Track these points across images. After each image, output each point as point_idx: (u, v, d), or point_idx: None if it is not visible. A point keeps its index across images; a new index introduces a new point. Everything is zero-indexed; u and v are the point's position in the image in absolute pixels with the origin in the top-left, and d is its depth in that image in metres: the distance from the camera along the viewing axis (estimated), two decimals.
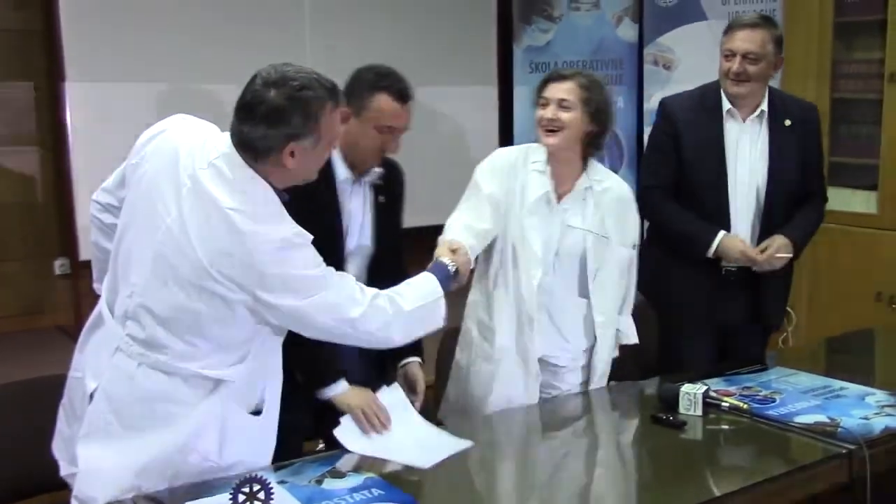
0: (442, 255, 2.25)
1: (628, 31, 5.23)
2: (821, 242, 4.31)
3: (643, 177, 3.10)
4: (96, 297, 2.11)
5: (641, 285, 2.76)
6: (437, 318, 2.11)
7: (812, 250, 4.12)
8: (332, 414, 2.26)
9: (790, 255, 2.85)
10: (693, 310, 2.90)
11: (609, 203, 2.57)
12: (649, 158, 3.07)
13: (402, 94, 2.32)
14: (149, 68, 4.35)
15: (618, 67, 5.35)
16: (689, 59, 4.76)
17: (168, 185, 1.88)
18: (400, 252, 2.56)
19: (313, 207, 2.16)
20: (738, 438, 2.24)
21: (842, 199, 4.39)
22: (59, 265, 4.64)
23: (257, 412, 2.00)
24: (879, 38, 4.15)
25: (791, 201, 2.91)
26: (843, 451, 2.08)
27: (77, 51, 4.29)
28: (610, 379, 2.69)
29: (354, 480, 1.92)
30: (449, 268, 2.20)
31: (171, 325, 1.89)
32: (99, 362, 1.98)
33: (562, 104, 2.47)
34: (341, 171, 2.39)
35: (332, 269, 1.95)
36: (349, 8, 4.66)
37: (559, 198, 2.55)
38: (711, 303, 2.89)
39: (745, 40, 2.78)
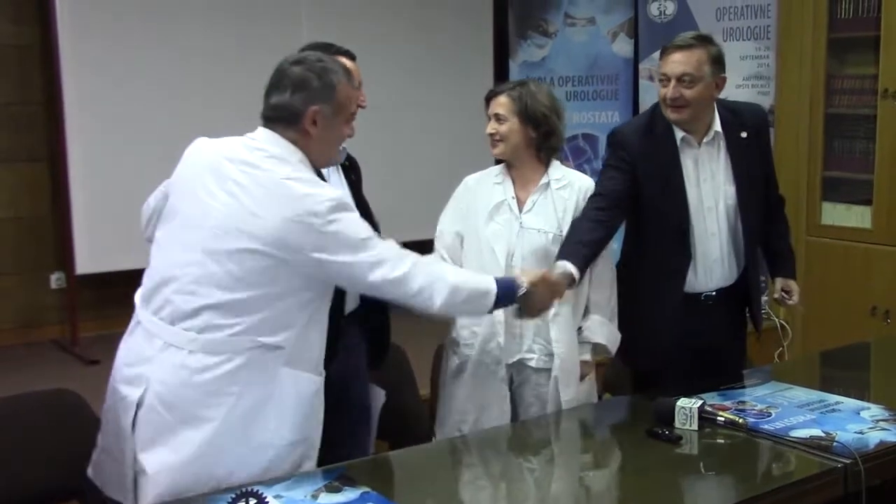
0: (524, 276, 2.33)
1: (623, 47, 5.26)
2: (816, 257, 4.35)
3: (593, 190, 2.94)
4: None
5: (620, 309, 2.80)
6: (481, 306, 2.20)
7: (807, 265, 4.15)
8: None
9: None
10: (668, 334, 2.76)
11: (570, 198, 2.69)
12: (600, 177, 2.84)
13: (351, 53, 2.53)
14: (146, 82, 4.37)
15: (613, 83, 5.38)
16: None
17: (210, 178, 2.02)
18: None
19: None
20: (734, 453, 2.24)
21: (836, 215, 4.42)
22: (56, 279, 4.64)
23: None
24: (873, 53, 4.19)
25: (762, 212, 2.84)
26: (839, 466, 2.08)
27: (74, 65, 4.32)
28: (606, 391, 2.70)
29: (351, 494, 1.91)
30: (517, 281, 2.27)
31: (225, 308, 1.96)
32: (141, 369, 2.02)
33: (498, 118, 2.68)
34: None
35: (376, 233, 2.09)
36: (344, 22, 4.68)
37: (522, 202, 2.70)
38: (687, 327, 2.74)
39: (678, 63, 2.61)
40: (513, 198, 2.70)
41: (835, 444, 2.16)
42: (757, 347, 3.76)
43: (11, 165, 4.49)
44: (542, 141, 2.69)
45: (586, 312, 2.73)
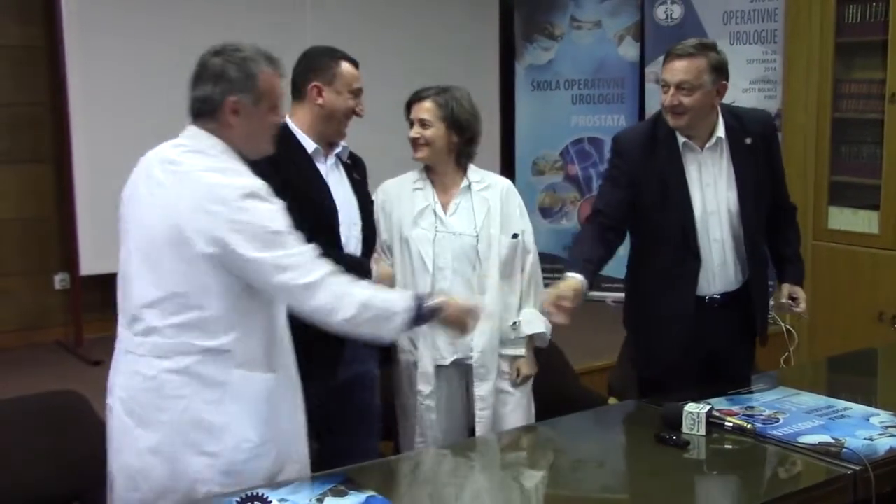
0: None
1: (630, 51, 5.25)
2: (822, 262, 4.33)
3: (594, 204, 2.93)
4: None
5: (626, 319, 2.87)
6: (385, 329, 2.07)
7: (813, 270, 4.13)
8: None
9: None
10: (676, 340, 2.74)
11: (492, 198, 2.75)
12: (601, 188, 2.92)
13: (354, 60, 2.58)
14: (152, 82, 4.36)
15: (619, 86, 5.38)
16: None
17: (143, 183, 2.03)
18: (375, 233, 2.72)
19: (301, 183, 2.41)
20: (742, 458, 2.22)
21: (843, 219, 4.40)
22: (60, 280, 4.64)
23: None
24: (881, 58, 4.18)
25: (764, 219, 2.82)
26: (848, 472, 2.06)
27: (80, 66, 4.31)
28: (611, 396, 2.69)
29: (356, 499, 1.90)
30: (434, 301, 2.12)
31: (161, 306, 1.95)
32: (112, 377, 2.05)
33: (422, 123, 2.69)
34: (309, 144, 2.51)
35: (299, 234, 2.01)
36: (350, 25, 4.67)
37: (445, 206, 2.74)
38: (694, 332, 2.73)
39: (677, 71, 2.61)
40: (436, 202, 2.74)
41: (844, 450, 2.15)
42: (763, 353, 3.73)
43: (16, 166, 4.49)
44: (464, 146, 2.73)
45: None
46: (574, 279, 2.50)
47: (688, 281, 2.72)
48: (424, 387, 2.70)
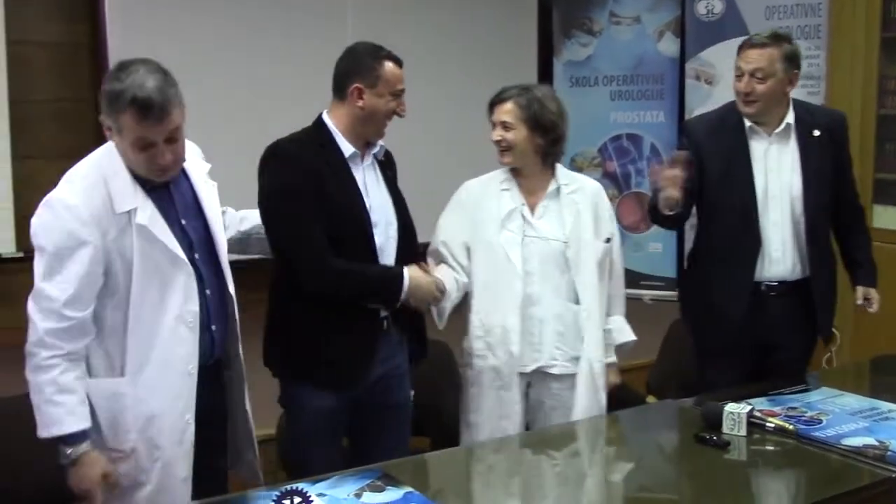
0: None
1: (670, 46, 5.20)
2: None
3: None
4: None
5: (684, 305, 2.90)
6: None
7: None
8: None
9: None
10: (730, 328, 2.81)
11: (582, 201, 2.67)
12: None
13: (399, 59, 2.48)
14: (193, 79, 4.39)
15: (659, 82, 5.32)
16: (731, 74, 4.69)
17: None
18: (413, 228, 2.61)
19: (336, 193, 2.35)
20: (784, 460, 2.20)
21: (887, 217, 4.32)
22: None
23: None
24: None
25: (828, 210, 2.87)
26: (893, 475, 2.03)
27: None
28: (650, 394, 2.67)
29: (394, 494, 1.91)
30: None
31: None
32: None
33: (504, 125, 2.61)
34: (346, 148, 2.44)
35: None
36: (389, 21, 4.68)
37: (532, 209, 2.65)
38: (749, 321, 2.79)
39: (751, 59, 2.74)
40: (524, 205, 2.65)
41: (889, 453, 2.11)
42: None
43: (59, 161, 4.53)
44: (549, 147, 2.63)
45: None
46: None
47: (746, 262, 2.80)
48: (503, 393, 2.62)
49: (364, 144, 2.48)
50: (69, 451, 1.98)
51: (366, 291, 2.40)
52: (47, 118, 4.51)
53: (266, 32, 4.53)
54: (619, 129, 5.43)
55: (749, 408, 2.29)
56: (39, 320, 1.96)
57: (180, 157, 2.06)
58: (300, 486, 1.81)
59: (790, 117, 2.80)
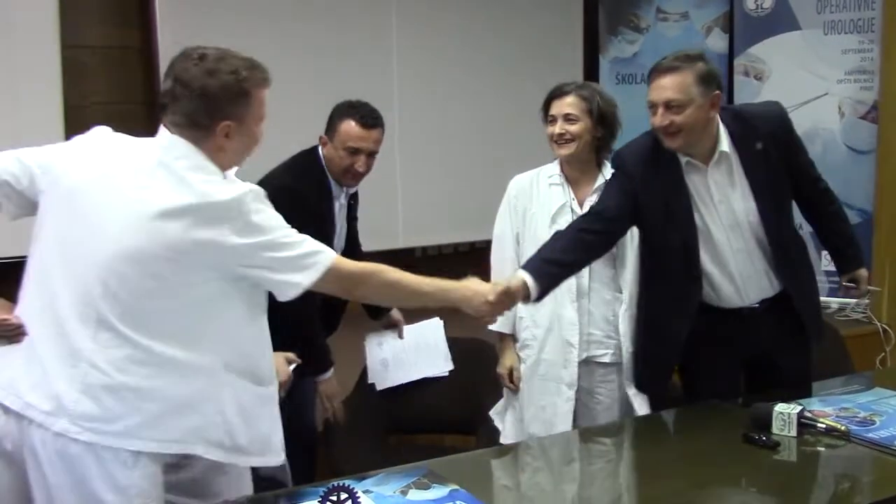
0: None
1: (718, 42, 5.13)
2: None
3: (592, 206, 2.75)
4: None
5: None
6: None
7: None
8: None
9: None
10: (714, 346, 2.64)
11: None
12: (604, 191, 2.70)
13: (366, 119, 2.73)
14: None
15: None
16: (782, 69, 4.63)
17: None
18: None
19: (316, 218, 2.64)
20: (836, 461, 2.16)
21: None
22: None
23: None
24: None
25: (791, 221, 2.69)
26: None
27: None
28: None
29: (440, 492, 1.92)
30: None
31: None
32: None
33: (567, 118, 2.67)
34: (335, 189, 2.82)
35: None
36: (434, 17, 4.68)
37: (581, 203, 2.71)
38: (732, 340, 2.64)
39: (662, 88, 2.44)
40: (573, 199, 2.71)
41: None
42: (858, 353, 3.62)
43: None
44: (607, 140, 2.70)
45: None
46: (518, 279, 2.37)
47: (689, 303, 2.59)
48: (552, 385, 2.72)
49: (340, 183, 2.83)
50: None
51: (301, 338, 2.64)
52: (100, 121, 4.59)
53: (312, 38, 4.56)
54: None
55: (800, 408, 2.26)
56: None
57: None
58: (347, 482, 1.82)
59: (724, 143, 2.51)
